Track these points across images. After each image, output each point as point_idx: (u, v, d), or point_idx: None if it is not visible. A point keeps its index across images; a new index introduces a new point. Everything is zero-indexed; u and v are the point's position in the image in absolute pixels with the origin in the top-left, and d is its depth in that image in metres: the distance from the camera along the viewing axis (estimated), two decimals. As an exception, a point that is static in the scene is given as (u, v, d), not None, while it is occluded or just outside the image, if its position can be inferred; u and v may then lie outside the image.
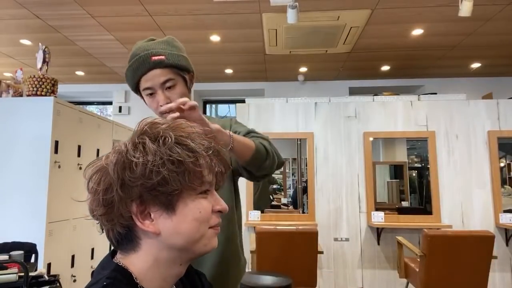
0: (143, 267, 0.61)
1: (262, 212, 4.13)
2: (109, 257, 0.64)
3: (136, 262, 0.62)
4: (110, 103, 6.40)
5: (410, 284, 3.21)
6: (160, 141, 0.59)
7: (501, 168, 4.08)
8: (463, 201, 3.97)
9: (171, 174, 0.57)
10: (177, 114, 0.86)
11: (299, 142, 4.37)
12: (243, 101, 4.42)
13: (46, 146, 2.68)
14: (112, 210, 0.59)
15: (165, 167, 0.57)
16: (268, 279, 2.52)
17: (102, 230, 0.63)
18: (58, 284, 2.30)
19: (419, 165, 4.53)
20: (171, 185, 0.57)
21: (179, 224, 0.60)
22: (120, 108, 6.07)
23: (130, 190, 0.58)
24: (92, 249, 3.33)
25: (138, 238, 0.61)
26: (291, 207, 4.60)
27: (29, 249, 2.27)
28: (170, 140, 0.59)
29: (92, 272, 0.64)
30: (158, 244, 0.61)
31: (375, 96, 4.39)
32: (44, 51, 2.86)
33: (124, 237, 0.61)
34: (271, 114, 4.28)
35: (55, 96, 2.82)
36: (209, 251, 0.64)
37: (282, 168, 4.93)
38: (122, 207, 0.58)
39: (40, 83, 2.78)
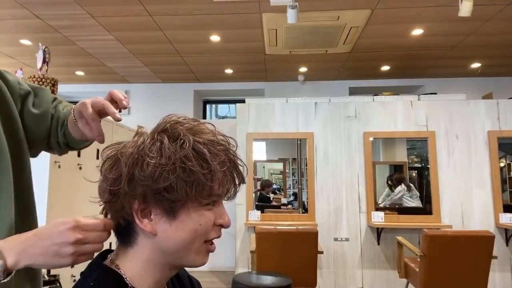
0: (136, 265, 0.61)
1: (262, 212, 4.14)
2: (98, 258, 0.64)
3: (131, 258, 0.62)
4: (110, 103, 6.40)
5: (410, 284, 3.21)
6: (178, 144, 0.58)
7: (501, 168, 4.08)
8: (463, 201, 3.98)
9: (179, 182, 0.56)
10: None
11: (299, 142, 4.37)
12: (243, 101, 4.42)
13: (46, 146, 2.67)
14: (116, 200, 0.59)
15: (175, 174, 0.56)
16: (268, 279, 2.52)
17: (106, 214, 0.63)
18: (58, 284, 2.30)
19: (419, 165, 4.53)
20: (177, 193, 0.56)
21: (177, 231, 0.59)
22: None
23: (136, 187, 0.58)
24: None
25: (136, 233, 0.61)
26: (289, 206, 4.61)
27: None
28: (188, 145, 0.57)
29: (81, 273, 0.63)
30: (153, 245, 0.60)
31: (375, 96, 4.39)
32: (44, 51, 2.86)
33: (123, 229, 0.61)
34: (271, 114, 4.28)
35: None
36: (198, 266, 0.63)
37: (282, 168, 4.94)
38: (125, 201, 0.59)
39: (40, 83, 2.78)
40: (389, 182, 4.36)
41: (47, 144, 0.93)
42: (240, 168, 0.63)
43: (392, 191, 4.32)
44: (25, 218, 0.81)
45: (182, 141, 0.58)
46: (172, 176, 0.56)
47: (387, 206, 4.25)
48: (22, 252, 0.57)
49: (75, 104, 0.92)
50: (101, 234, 0.60)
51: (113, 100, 0.78)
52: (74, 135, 0.88)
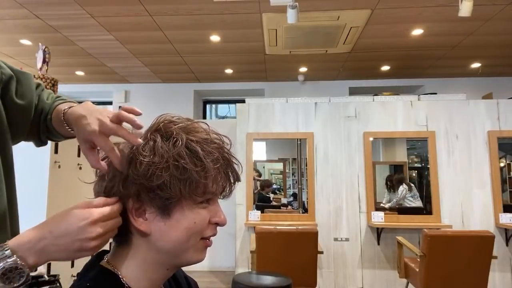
0: (132, 265, 0.61)
1: (262, 212, 4.14)
2: (94, 259, 0.64)
3: (126, 258, 0.62)
4: (110, 103, 6.40)
5: (410, 284, 3.21)
6: (171, 142, 0.58)
7: (501, 168, 4.08)
8: (463, 201, 3.97)
9: (173, 180, 0.56)
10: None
11: (299, 142, 4.37)
12: (243, 101, 4.42)
13: (46, 146, 2.67)
14: None
15: (168, 172, 0.56)
16: (268, 279, 2.52)
17: None
18: (58, 284, 2.29)
19: (419, 165, 4.53)
20: (170, 191, 0.56)
21: (171, 230, 0.59)
22: (120, 108, 6.07)
23: (130, 186, 0.58)
24: (92, 249, 3.33)
25: (131, 233, 0.61)
26: (289, 207, 4.60)
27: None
28: (180, 143, 0.58)
29: (78, 274, 0.63)
30: (147, 244, 0.60)
31: (375, 96, 4.39)
32: (44, 51, 2.86)
33: (118, 229, 0.61)
34: (271, 114, 4.28)
35: (55, 96, 2.81)
36: (195, 262, 0.63)
37: (282, 168, 4.94)
38: (120, 201, 0.59)
39: (40, 83, 2.78)
40: (388, 183, 4.36)
41: (26, 135, 0.86)
42: (235, 166, 0.63)
43: (391, 192, 4.32)
44: (11, 212, 0.77)
45: (175, 139, 0.58)
46: (165, 174, 0.56)
47: (394, 207, 4.25)
48: (41, 251, 0.55)
49: (61, 98, 0.86)
50: (117, 220, 0.59)
51: (120, 120, 0.65)
52: (61, 132, 0.82)
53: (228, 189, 0.63)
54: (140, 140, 0.60)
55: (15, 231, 0.77)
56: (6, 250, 0.53)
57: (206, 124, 0.64)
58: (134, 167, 0.57)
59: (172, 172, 0.56)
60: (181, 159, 0.57)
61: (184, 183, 0.57)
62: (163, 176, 0.56)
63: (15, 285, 0.53)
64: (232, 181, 0.63)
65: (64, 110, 0.76)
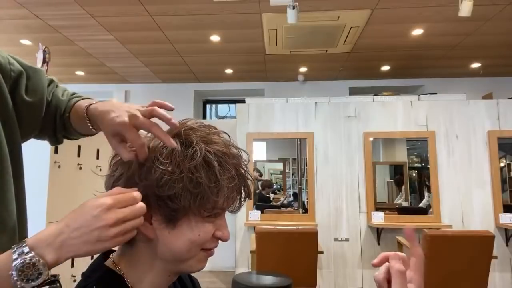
0: (136, 268, 0.61)
1: (262, 212, 4.13)
2: (100, 259, 0.63)
3: (131, 260, 0.61)
4: (110, 103, 6.40)
5: (410, 284, 3.21)
6: (189, 152, 0.57)
7: (501, 168, 4.08)
8: (463, 201, 3.97)
9: (184, 192, 0.55)
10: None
11: (299, 142, 4.37)
12: (243, 101, 4.42)
13: (46, 146, 2.67)
14: None
15: (181, 184, 0.55)
16: (268, 279, 2.52)
17: None
18: (58, 284, 2.29)
19: (419, 165, 4.53)
20: (180, 202, 0.56)
21: (174, 239, 0.58)
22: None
23: (140, 188, 0.57)
24: (92, 249, 3.32)
25: (136, 234, 0.60)
26: (289, 208, 4.60)
27: (29, 249, 2.26)
28: (199, 154, 0.57)
29: (82, 274, 0.63)
30: (150, 249, 0.60)
31: (375, 96, 4.39)
32: (44, 51, 2.86)
33: None
34: (271, 114, 4.28)
35: (55, 96, 2.81)
36: (195, 271, 0.63)
37: (282, 168, 4.94)
38: None
39: (40, 83, 2.77)
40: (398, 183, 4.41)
41: (39, 132, 0.84)
42: (249, 182, 0.62)
43: (400, 191, 4.36)
44: (20, 215, 0.75)
45: (194, 150, 0.57)
46: (177, 186, 0.55)
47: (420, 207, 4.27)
48: (61, 246, 0.52)
49: (77, 95, 0.85)
50: (139, 207, 0.55)
51: (152, 116, 0.62)
52: (79, 130, 0.81)
53: (237, 204, 0.63)
54: (175, 144, 0.57)
55: (22, 237, 0.74)
56: (24, 247, 0.51)
57: (228, 135, 0.63)
58: (149, 171, 0.56)
59: (185, 184, 0.55)
60: (196, 172, 0.56)
61: (195, 197, 0.56)
62: (175, 188, 0.55)
63: (33, 283, 0.50)
64: (243, 197, 0.62)
65: (86, 106, 0.74)
